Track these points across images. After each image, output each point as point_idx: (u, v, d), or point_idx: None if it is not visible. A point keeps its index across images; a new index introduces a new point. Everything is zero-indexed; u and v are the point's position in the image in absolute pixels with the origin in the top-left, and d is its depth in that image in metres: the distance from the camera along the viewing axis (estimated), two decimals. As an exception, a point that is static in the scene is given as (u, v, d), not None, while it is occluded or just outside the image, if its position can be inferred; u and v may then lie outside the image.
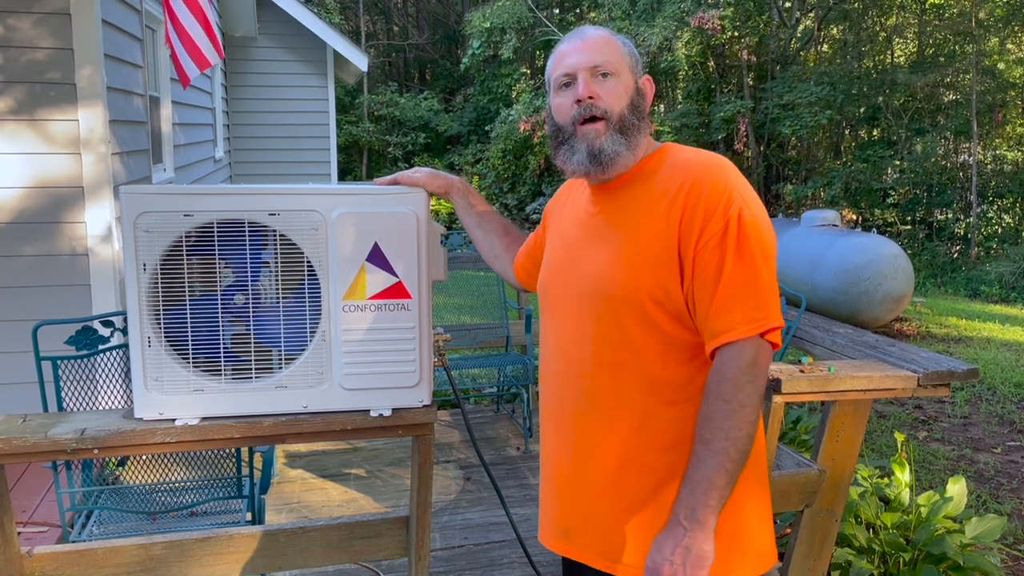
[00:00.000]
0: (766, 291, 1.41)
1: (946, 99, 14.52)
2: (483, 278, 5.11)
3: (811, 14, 15.38)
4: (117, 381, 2.58)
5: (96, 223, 3.84)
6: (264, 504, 2.73)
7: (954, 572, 2.82)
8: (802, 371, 2.24)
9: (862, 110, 14.83)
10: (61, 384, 2.42)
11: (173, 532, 2.21)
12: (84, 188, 3.81)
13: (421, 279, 1.81)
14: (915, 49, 15.50)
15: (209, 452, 2.74)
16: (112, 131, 3.94)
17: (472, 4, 20.15)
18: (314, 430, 1.80)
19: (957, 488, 3.12)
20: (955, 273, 11.84)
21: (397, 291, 1.79)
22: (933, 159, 13.43)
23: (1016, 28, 13.77)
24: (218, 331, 1.72)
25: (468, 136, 18.96)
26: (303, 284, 1.75)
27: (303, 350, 1.77)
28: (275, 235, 1.72)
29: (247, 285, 1.73)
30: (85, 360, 2.47)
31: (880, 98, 14.11)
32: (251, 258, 1.72)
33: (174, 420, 1.75)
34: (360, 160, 18.80)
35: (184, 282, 1.70)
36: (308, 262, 1.74)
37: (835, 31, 16.32)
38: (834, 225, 8.28)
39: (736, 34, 14.25)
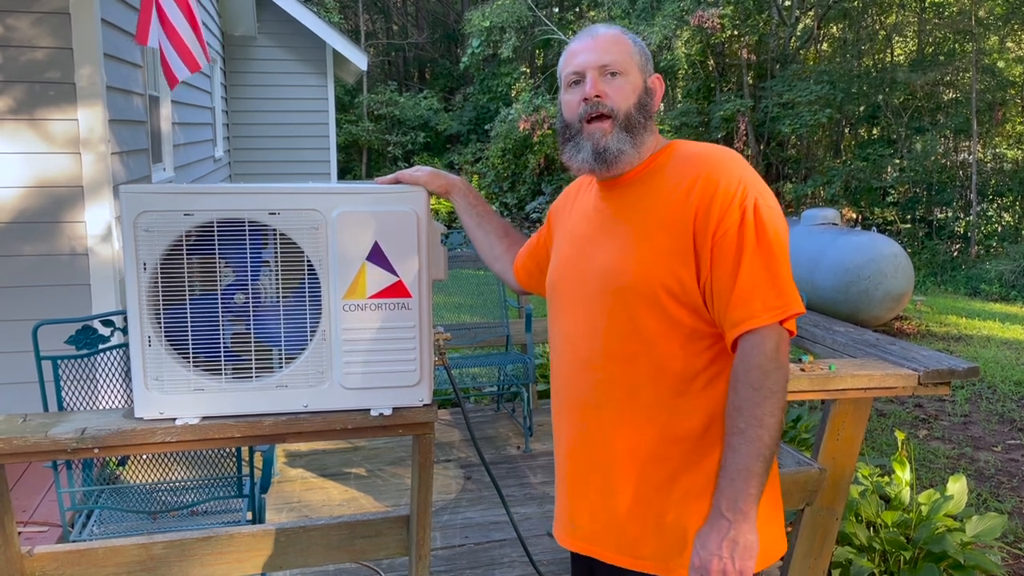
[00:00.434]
0: (784, 279, 1.43)
1: (946, 97, 14.51)
2: (483, 277, 5.11)
3: (811, 12, 15.38)
4: (117, 381, 2.58)
5: (96, 223, 3.84)
6: (264, 503, 2.73)
7: (955, 570, 2.82)
8: (803, 369, 2.24)
9: (862, 108, 14.83)
10: (61, 384, 2.42)
11: (174, 532, 2.21)
12: (84, 188, 3.81)
13: (421, 278, 1.81)
14: (915, 47, 15.50)
15: (209, 451, 2.74)
16: (112, 130, 3.94)
17: (472, 3, 20.14)
18: (314, 429, 1.80)
19: (957, 486, 3.12)
20: (955, 271, 11.84)
21: (397, 290, 1.79)
22: (933, 157, 13.43)
23: (1016, 26, 13.76)
24: (218, 330, 1.72)
25: (468, 135, 18.96)
26: (303, 283, 1.75)
27: (303, 349, 1.77)
28: (275, 234, 1.72)
29: (247, 284, 1.72)
30: (85, 360, 2.47)
31: (880, 96, 14.11)
32: (251, 257, 1.72)
33: (174, 419, 1.75)
34: (360, 159, 18.79)
35: (184, 281, 1.70)
36: (308, 261, 1.74)
37: (835, 29, 16.32)
38: (834, 224, 8.27)
39: (736, 33, 14.25)
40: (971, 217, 12.82)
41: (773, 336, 1.41)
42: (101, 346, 2.45)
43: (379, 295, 1.78)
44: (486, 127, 17.07)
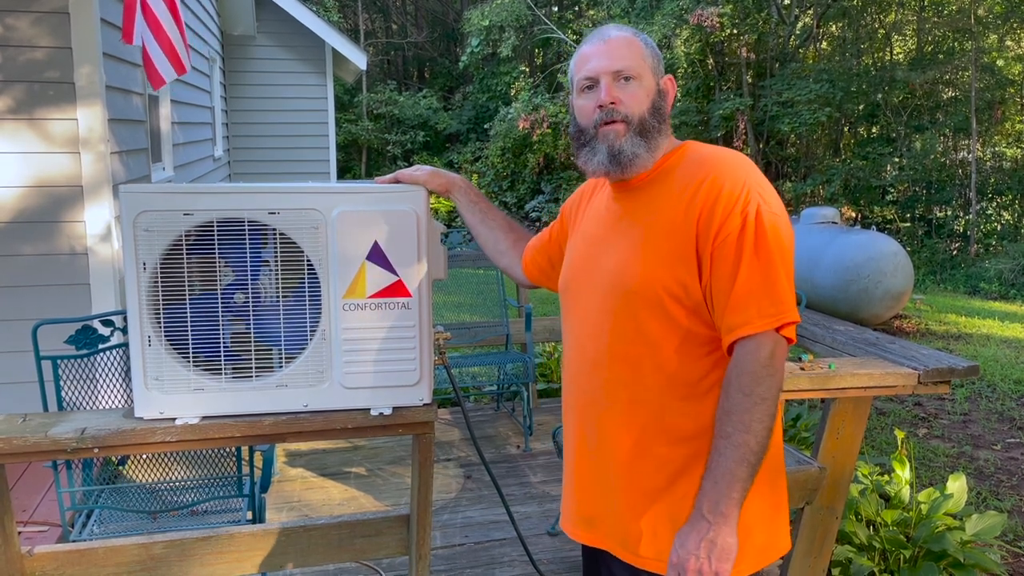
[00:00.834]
0: (782, 287, 1.43)
1: (945, 96, 14.51)
2: (483, 276, 5.11)
3: (810, 11, 15.38)
4: (117, 380, 2.58)
5: (95, 222, 3.83)
6: (264, 503, 2.73)
7: (954, 569, 2.82)
8: (802, 368, 2.24)
9: (861, 107, 14.83)
10: (61, 383, 2.42)
11: (174, 531, 2.21)
12: (83, 187, 3.81)
13: (421, 277, 1.81)
14: (914, 46, 15.49)
15: (209, 451, 2.74)
16: (111, 130, 3.94)
17: (471, 2, 20.14)
18: (314, 429, 1.80)
19: (957, 485, 3.12)
20: (954, 270, 11.84)
21: (397, 290, 1.79)
22: (932, 156, 13.43)
23: (1015, 25, 13.76)
24: (218, 330, 1.72)
25: (467, 134, 18.95)
26: (303, 283, 1.75)
27: (303, 349, 1.77)
28: (275, 234, 1.72)
29: (247, 284, 1.72)
30: (85, 359, 2.47)
31: (879, 95, 14.11)
32: (251, 257, 1.72)
33: (174, 419, 1.75)
34: (359, 158, 18.79)
35: (184, 281, 1.70)
36: (308, 261, 1.74)
37: (834, 28, 16.31)
38: (833, 223, 8.28)
39: (735, 31, 14.25)
40: (970, 216, 12.82)
41: (768, 343, 1.42)
42: (101, 346, 2.45)
43: (379, 294, 1.78)
44: (485, 126, 17.07)
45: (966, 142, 13.95)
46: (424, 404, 1.86)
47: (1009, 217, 13.45)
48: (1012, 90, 13.96)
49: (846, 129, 16.05)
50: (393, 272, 1.78)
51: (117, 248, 3.92)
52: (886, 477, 3.33)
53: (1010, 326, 8.17)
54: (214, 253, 1.70)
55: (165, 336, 1.71)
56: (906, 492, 3.19)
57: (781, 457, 1.62)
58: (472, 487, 3.86)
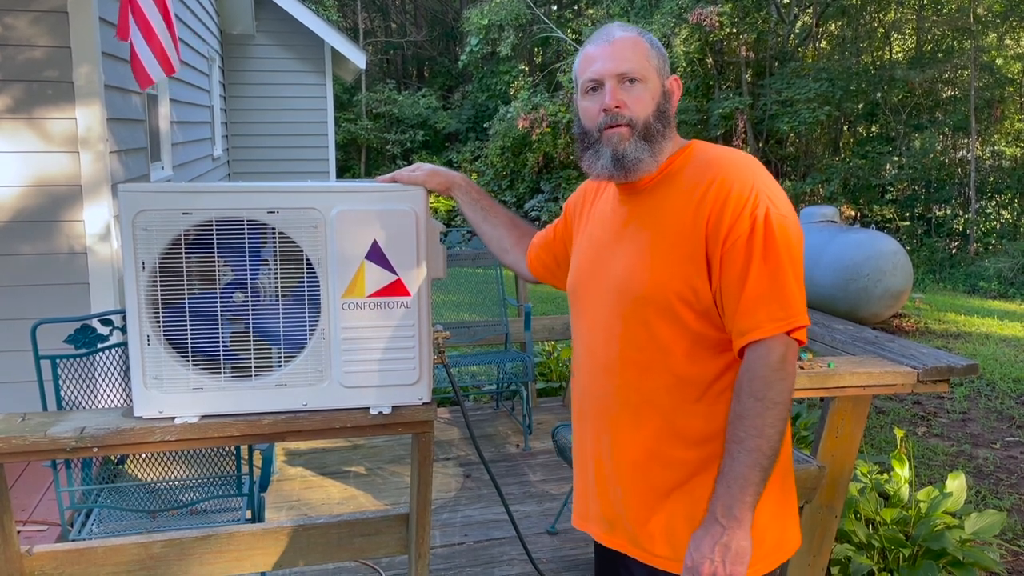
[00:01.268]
0: (791, 291, 1.43)
1: (944, 95, 14.51)
2: (482, 275, 5.11)
3: (809, 10, 15.37)
4: (116, 379, 2.58)
5: (94, 221, 3.83)
6: (264, 502, 2.73)
7: (953, 568, 2.83)
8: (802, 367, 2.24)
9: (860, 106, 14.83)
10: (60, 383, 2.42)
11: (173, 530, 2.21)
12: (82, 187, 3.80)
13: (420, 277, 1.81)
14: (913, 45, 15.49)
15: (209, 450, 2.74)
16: (110, 129, 3.93)
17: (470, 1, 20.12)
18: (314, 428, 1.80)
19: (956, 484, 3.13)
20: (954, 269, 11.85)
21: (396, 289, 1.79)
22: (932, 155, 13.43)
23: (1014, 24, 13.76)
24: (217, 329, 1.72)
25: (466, 133, 18.95)
26: (302, 282, 1.75)
27: (302, 348, 1.77)
28: (274, 233, 1.72)
29: (246, 283, 1.72)
30: (84, 359, 2.47)
31: (878, 94, 14.11)
32: (250, 256, 1.72)
33: (173, 418, 1.75)
34: (358, 158, 18.78)
35: (183, 280, 1.70)
36: (307, 260, 1.74)
37: (833, 27, 16.31)
38: (833, 221, 8.28)
39: (734, 30, 14.24)
40: (970, 214, 12.82)
41: (779, 347, 1.41)
42: (100, 345, 2.45)
43: (378, 294, 1.78)
44: (485, 125, 17.06)
45: (965, 141, 13.95)
46: (423, 403, 1.86)
47: (1008, 216, 13.45)
48: (1011, 89, 13.95)
49: (845, 128, 16.05)
50: (392, 271, 1.78)
51: (116, 247, 3.92)
52: (885, 476, 3.34)
53: (1009, 325, 8.18)
54: (213, 252, 1.70)
55: (164, 335, 1.71)
56: (905, 491, 3.20)
57: (790, 457, 1.62)
58: (471, 486, 3.86)
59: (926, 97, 14.33)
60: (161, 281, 1.69)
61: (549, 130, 14.85)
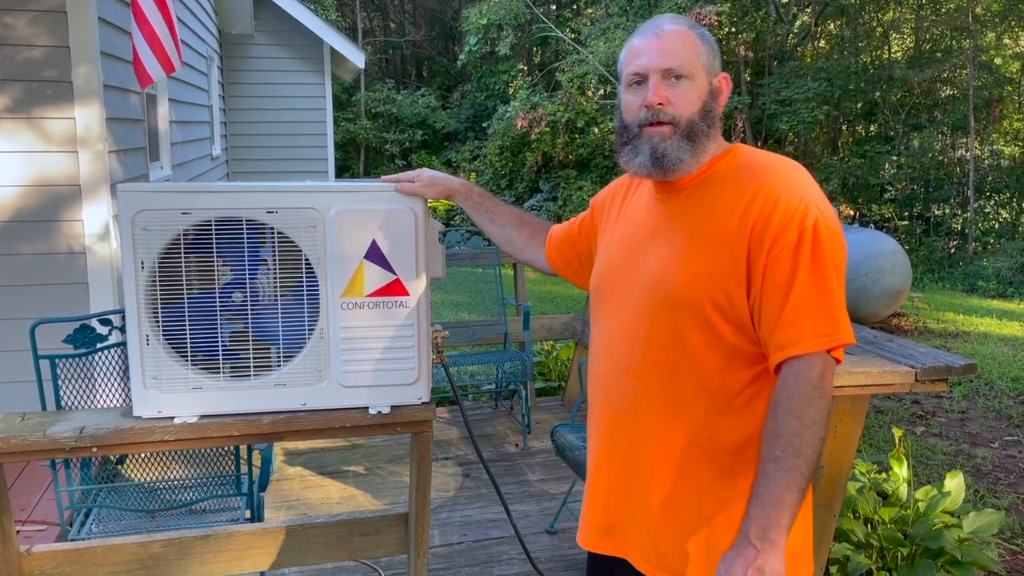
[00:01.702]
0: (838, 305, 1.37)
1: (943, 94, 14.52)
2: (481, 275, 5.11)
3: (808, 10, 15.38)
4: (115, 379, 2.58)
5: (93, 221, 3.83)
6: (263, 501, 2.74)
7: (952, 567, 2.83)
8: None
9: (859, 105, 14.83)
10: (59, 383, 2.42)
11: (172, 530, 2.21)
12: (81, 186, 3.80)
13: (419, 276, 1.81)
14: (912, 44, 15.50)
15: (208, 450, 2.74)
16: (109, 129, 3.93)
17: (469, 0, 20.12)
18: (313, 428, 1.81)
19: (955, 483, 3.13)
20: (952, 268, 11.86)
21: (395, 288, 1.79)
22: (930, 154, 13.44)
23: (1013, 23, 13.77)
24: (216, 329, 1.72)
25: (465, 133, 18.94)
26: (301, 282, 1.75)
27: (301, 348, 1.77)
28: (273, 233, 1.72)
29: (245, 283, 1.72)
30: (83, 358, 2.47)
31: (877, 93, 14.12)
32: (249, 256, 1.72)
33: (173, 418, 1.75)
34: (357, 157, 18.77)
35: (182, 280, 1.70)
36: (306, 260, 1.74)
37: (832, 27, 16.31)
38: (832, 221, 8.27)
39: (733, 30, 14.24)
40: (968, 214, 12.83)
41: (819, 363, 1.35)
42: (99, 345, 2.45)
43: (377, 293, 1.78)
44: (484, 125, 17.06)
45: (964, 140, 13.96)
46: (422, 403, 1.86)
47: (1007, 215, 13.47)
48: (1010, 88, 13.97)
49: (844, 127, 16.06)
50: (391, 271, 1.78)
51: (115, 247, 3.92)
52: (884, 475, 3.34)
53: (1008, 324, 8.19)
54: (212, 252, 1.70)
55: (163, 335, 1.71)
56: (904, 490, 3.20)
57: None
58: (471, 485, 3.87)
59: (925, 96, 14.34)
60: (160, 281, 1.69)
61: (548, 129, 14.85)
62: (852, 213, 14.19)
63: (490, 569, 3.09)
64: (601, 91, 15.82)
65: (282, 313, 1.75)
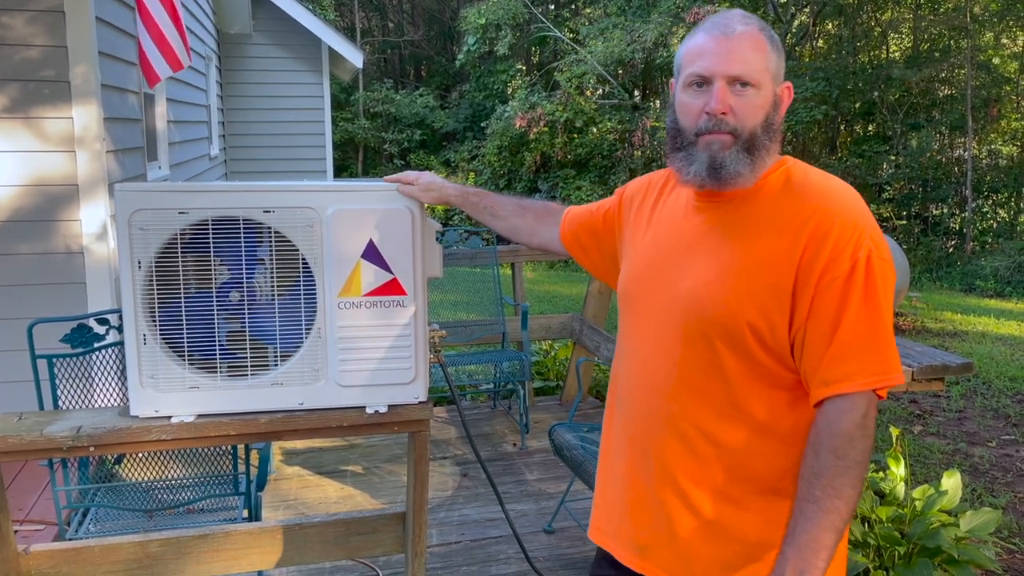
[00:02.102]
0: (889, 342, 1.30)
1: (941, 94, 14.54)
2: (479, 275, 5.12)
3: (806, 9, 15.39)
4: (113, 379, 2.58)
5: (91, 221, 3.83)
6: (261, 501, 2.74)
7: (949, 565, 2.83)
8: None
9: (857, 105, 14.85)
10: (57, 382, 2.42)
11: (170, 529, 2.22)
12: (79, 186, 3.80)
13: (416, 276, 1.81)
14: (910, 44, 15.52)
15: (205, 449, 2.74)
16: (107, 129, 3.93)
17: (467, 0, 20.12)
18: (310, 427, 1.81)
19: (952, 482, 3.13)
20: (950, 268, 11.87)
21: (392, 288, 1.79)
22: (928, 154, 13.46)
23: (1011, 23, 13.79)
24: (213, 328, 1.73)
25: (464, 133, 18.94)
26: (298, 281, 1.75)
27: (298, 347, 1.77)
28: (270, 232, 1.72)
29: (242, 282, 1.73)
30: (80, 358, 2.47)
31: (875, 93, 14.13)
32: (246, 255, 1.72)
33: (170, 417, 1.75)
34: (356, 157, 18.77)
35: (179, 280, 1.70)
36: (303, 259, 1.75)
37: (830, 26, 16.33)
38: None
39: (732, 30, 14.22)
40: (966, 213, 12.85)
41: (864, 403, 1.29)
42: (96, 344, 2.45)
43: (374, 293, 1.78)
44: (482, 124, 17.06)
45: (962, 140, 13.98)
46: (419, 402, 1.87)
47: (1005, 215, 13.49)
48: (1008, 88, 13.98)
49: (842, 127, 16.07)
50: (388, 270, 1.79)
51: (113, 247, 3.92)
52: (881, 474, 3.34)
53: (1005, 323, 8.20)
54: (209, 252, 1.71)
55: (160, 334, 1.71)
56: (901, 489, 3.20)
57: None
58: (468, 485, 3.87)
59: (923, 96, 14.36)
60: (157, 280, 1.69)
61: (546, 129, 14.85)
62: (850, 213, 14.16)
63: (488, 568, 3.10)
64: (600, 91, 15.83)
65: (279, 312, 1.75)
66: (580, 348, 4.81)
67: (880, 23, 15.29)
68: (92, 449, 1.72)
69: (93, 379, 2.55)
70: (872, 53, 15.59)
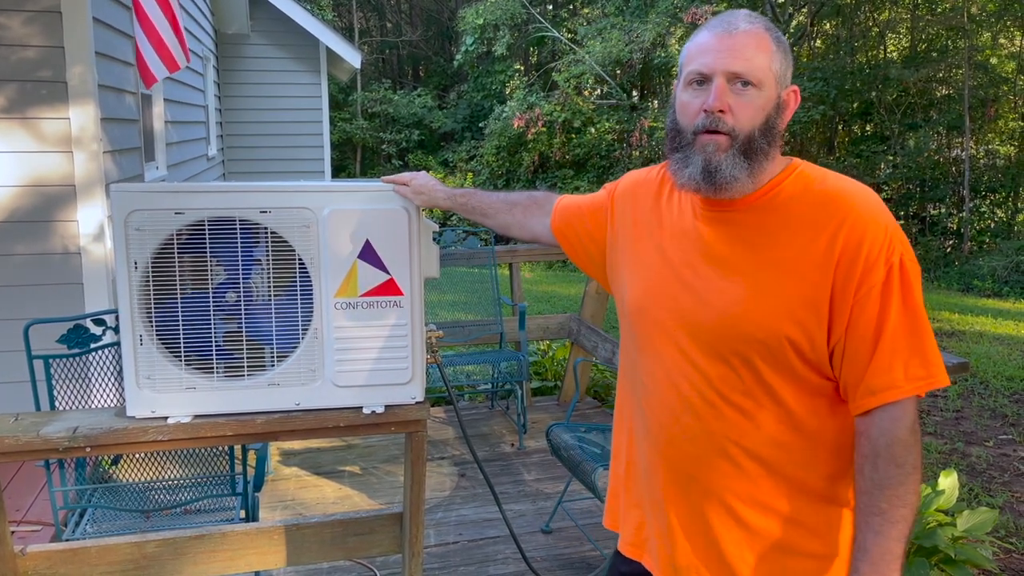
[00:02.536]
0: (930, 346, 1.29)
1: (939, 94, 14.56)
2: (477, 275, 5.12)
3: (804, 9, 15.40)
4: (109, 379, 2.58)
5: (88, 222, 3.83)
6: (258, 501, 2.74)
7: (946, 565, 2.84)
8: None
9: (855, 105, 14.87)
10: (53, 383, 2.42)
11: (167, 530, 2.21)
12: (76, 187, 3.80)
13: (413, 276, 1.81)
14: (908, 44, 15.54)
15: (202, 450, 2.74)
16: (104, 129, 3.93)
17: (465, 0, 20.12)
18: (307, 427, 1.81)
19: (949, 481, 3.14)
20: (948, 268, 11.89)
21: (389, 288, 1.79)
22: (926, 154, 13.48)
23: (1008, 23, 13.82)
24: (210, 329, 1.73)
25: (462, 133, 18.94)
26: (295, 282, 1.75)
27: (295, 348, 1.77)
28: (266, 233, 1.72)
29: (239, 283, 1.73)
30: (77, 359, 2.47)
31: (873, 93, 14.15)
32: (243, 256, 1.72)
33: (166, 418, 1.75)
34: (354, 157, 18.77)
35: (176, 280, 1.70)
36: (300, 259, 1.75)
37: (828, 26, 16.34)
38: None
39: (729, 30, 14.24)
40: (964, 213, 12.87)
41: (912, 408, 1.28)
42: (93, 345, 2.45)
43: (371, 293, 1.78)
44: (480, 125, 17.07)
45: (959, 140, 14.00)
46: (416, 402, 1.87)
47: (1002, 215, 13.51)
48: (1005, 88, 14.01)
49: (840, 127, 16.09)
50: (385, 271, 1.79)
51: (110, 247, 3.91)
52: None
53: (1003, 323, 8.21)
54: (206, 252, 1.71)
55: (157, 335, 1.71)
56: (898, 489, 3.20)
57: None
58: (466, 485, 3.87)
59: (920, 96, 14.38)
60: (154, 281, 1.69)
61: (544, 129, 14.86)
62: (848, 213, 14.19)
63: (485, 568, 3.10)
64: (597, 91, 15.83)
65: (276, 313, 1.75)
66: (578, 348, 4.81)
67: (878, 23, 15.31)
68: (88, 450, 1.72)
69: (90, 380, 2.55)
70: (870, 53, 15.61)
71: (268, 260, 1.74)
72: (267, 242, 1.73)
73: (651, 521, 1.55)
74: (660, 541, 1.52)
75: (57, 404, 2.46)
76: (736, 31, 1.33)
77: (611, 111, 15.01)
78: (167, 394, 1.73)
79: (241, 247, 1.72)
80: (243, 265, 1.72)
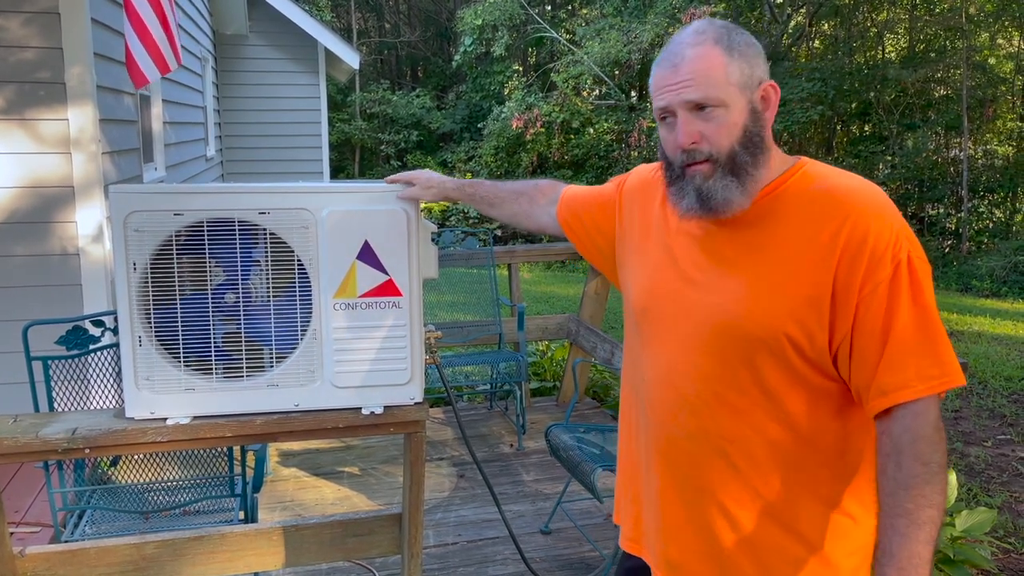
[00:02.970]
0: (944, 343, 1.26)
1: (937, 94, 14.59)
2: (476, 275, 5.12)
3: (802, 10, 15.41)
4: (108, 381, 2.58)
5: (87, 223, 3.83)
6: (257, 502, 2.74)
7: (944, 565, 2.84)
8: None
9: (854, 106, 14.88)
10: (52, 384, 2.42)
11: (166, 531, 2.21)
12: (74, 188, 3.80)
13: (412, 277, 1.81)
14: (906, 44, 15.56)
15: (201, 451, 2.74)
16: (102, 130, 3.93)
17: (464, 1, 20.12)
18: (305, 428, 1.81)
19: (947, 481, 3.14)
20: (947, 268, 11.90)
21: (388, 289, 1.80)
22: (924, 154, 13.50)
23: (1006, 23, 13.83)
24: (209, 330, 1.73)
25: (461, 133, 18.95)
26: (294, 282, 1.76)
27: (294, 348, 1.77)
28: (265, 234, 1.72)
29: (238, 284, 1.73)
30: (76, 360, 2.47)
31: (871, 93, 14.17)
32: (241, 257, 1.72)
33: (165, 419, 1.75)
34: (352, 158, 18.77)
35: (174, 281, 1.70)
36: (298, 260, 1.75)
37: (826, 27, 16.36)
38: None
39: (728, 30, 14.25)
40: (962, 213, 12.88)
41: (934, 405, 1.26)
42: (92, 346, 2.45)
43: (369, 294, 1.78)
44: (479, 125, 17.08)
45: (958, 140, 14.02)
46: (415, 403, 1.87)
47: (1001, 215, 13.53)
48: (1003, 88, 14.03)
49: (838, 127, 16.11)
50: (384, 271, 1.79)
51: (109, 248, 3.91)
52: (877, 474, 3.35)
53: (1001, 323, 8.22)
54: (204, 253, 1.71)
55: (156, 336, 1.71)
56: (897, 489, 3.20)
57: None
58: (465, 486, 3.87)
59: (919, 96, 14.40)
60: (152, 282, 1.69)
61: (543, 130, 14.87)
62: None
63: (484, 569, 3.10)
64: (596, 92, 15.84)
65: (274, 314, 1.75)
66: (577, 349, 4.81)
67: (876, 23, 15.33)
68: (88, 451, 1.72)
69: (89, 381, 2.55)
70: (868, 54, 15.62)
71: (267, 261, 1.74)
72: (266, 243, 1.73)
73: (647, 516, 1.56)
74: (655, 536, 1.53)
75: (56, 405, 2.46)
76: (683, 61, 1.32)
77: (609, 111, 15.02)
78: (166, 395, 1.73)
79: (240, 248, 1.72)
80: (242, 266, 1.72)
